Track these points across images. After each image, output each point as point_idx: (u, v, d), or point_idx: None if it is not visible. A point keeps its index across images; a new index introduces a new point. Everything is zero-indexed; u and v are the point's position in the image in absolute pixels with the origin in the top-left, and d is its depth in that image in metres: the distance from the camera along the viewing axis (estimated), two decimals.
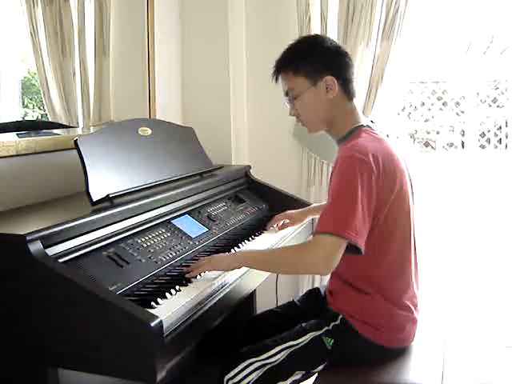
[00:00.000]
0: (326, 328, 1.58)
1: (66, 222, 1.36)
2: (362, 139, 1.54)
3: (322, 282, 2.66)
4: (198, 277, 1.52)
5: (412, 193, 1.67)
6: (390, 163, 1.52)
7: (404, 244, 1.60)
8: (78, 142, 1.57)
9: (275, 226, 2.06)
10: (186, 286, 1.47)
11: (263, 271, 1.72)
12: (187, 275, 1.51)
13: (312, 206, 2.19)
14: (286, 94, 1.64)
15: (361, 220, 1.43)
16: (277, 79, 1.64)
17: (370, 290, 1.57)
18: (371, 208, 1.46)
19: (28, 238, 1.23)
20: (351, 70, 1.63)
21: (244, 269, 1.66)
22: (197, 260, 1.65)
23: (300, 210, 2.12)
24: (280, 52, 1.67)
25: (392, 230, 1.55)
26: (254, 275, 1.74)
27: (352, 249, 1.46)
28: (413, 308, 1.62)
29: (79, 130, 2.15)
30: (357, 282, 1.58)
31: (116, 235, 1.53)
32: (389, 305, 1.57)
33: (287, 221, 2.07)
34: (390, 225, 1.54)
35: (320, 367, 1.57)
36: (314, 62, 1.58)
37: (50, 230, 1.30)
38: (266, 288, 2.11)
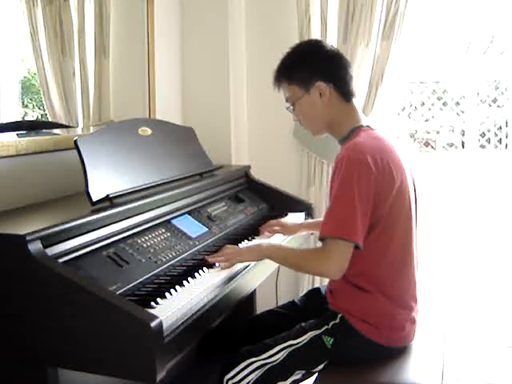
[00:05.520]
0: (326, 327, 1.58)
1: (66, 222, 1.36)
2: (361, 138, 1.57)
3: (322, 282, 2.66)
4: (198, 276, 1.53)
5: (415, 193, 1.68)
6: (388, 161, 1.54)
7: (405, 242, 1.60)
8: (78, 142, 1.57)
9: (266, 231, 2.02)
10: (186, 286, 1.46)
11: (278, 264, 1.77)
12: (213, 260, 1.61)
13: (307, 221, 2.20)
14: (287, 100, 1.72)
15: (360, 220, 1.47)
16: (279, 88, 1.73)
17: (370, 288, 1.57)
18: (369, 206, 1.49)
19: (28, 237, 1.24)
20: (345, 72, 1.67)
21: (244, 268, 1.66)
22: (196, 260, 1.66)
23: (295, 222, 2.11)
24: (279, 53, 1.73)
25: (393, 228, 1.56)
26: (254, 275, 1.74)
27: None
28: (413, 307, 1.62)
29: (79, 130, 2.15)
30: (358, 280, 1.58)
31: (116, 235, 1.52)
32: (389, 303, 1.57)
33: (278, 228, 2.03)
34: (390, 223, 1.55)
35: (320, 366, 1.57)
36: (304, 70, 1.66)
37: (50, 230, 1.30)
38: (266, 288, 2.12)
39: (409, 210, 1.60)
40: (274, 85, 1.73)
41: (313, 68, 1.65)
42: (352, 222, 1.47)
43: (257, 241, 1.88)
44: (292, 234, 2.06)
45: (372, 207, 1.50)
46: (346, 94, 1.66)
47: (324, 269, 1.53)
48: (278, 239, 1.99)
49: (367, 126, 1.64)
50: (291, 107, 1.71)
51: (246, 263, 1.68)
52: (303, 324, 1.62)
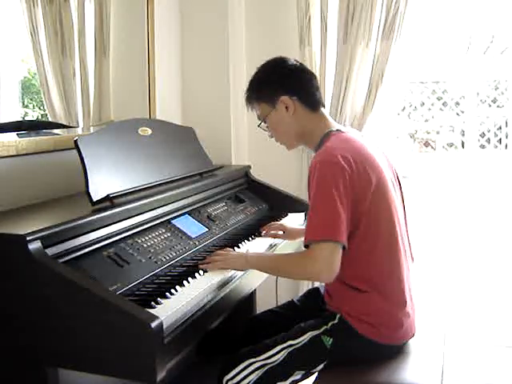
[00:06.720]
0: (325, 327, 1.58)
1: (66, 222, 1.36)
2: (330, 143, 1.61)
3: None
4: (198, 276, 1.53)
5: (400, 188, 1.71)
6: (361, 160, 1.55)
7: (391, 240, 1.59)
8: (78, 142, 1.57)
9: (266, 232, 2.02)
10: (186, 286, 1.47)
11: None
12: (201, 266, 1.59)
13: None
14: (258, 118, 1.78)
15: (343, 221, 1.47)
16: (251, 108, 1.79)
17: (365, 289, 1.57)
18: (349, 206, 1.50)
19: (28, 237, 1.24)
20: (309, 84, 1.73)
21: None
22: (197, 260, 1.66)
23: (297, 227, 2.07)
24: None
25: (376, 226, 1.56)
26: (254, 275, 1.74)
27: None
28: (408, 302, 1.62)
29: (79, 130, 2.15)
30: (351, 282, 1.58)
31: (116, 235, 1.53)
32: (386, 302, 1.57)
33: (280, 232, 2.02)
34: (373, 222, 1.55)
35: (320, 367, 1.57)
36: (268, 87, 1.73)
37: (50, 230, 1.30)
38: (266, 288, 2.11)
39: (391, 206, 1.59)
40: (246, 105, 1.79)
41: (276, 84, 1.71)
42: (336, 222, 1.46)
43: (244, 247, 1.84)
44: (293, 239, 2.03)
45: (352, 207, 1.50)
46: (311, 104, 1.71)
47: (313, 271, 1.49)
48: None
49: (337, 130, 1.67)
50: (263, 124, 1.76)
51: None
52: (302, 324, 1.62)
